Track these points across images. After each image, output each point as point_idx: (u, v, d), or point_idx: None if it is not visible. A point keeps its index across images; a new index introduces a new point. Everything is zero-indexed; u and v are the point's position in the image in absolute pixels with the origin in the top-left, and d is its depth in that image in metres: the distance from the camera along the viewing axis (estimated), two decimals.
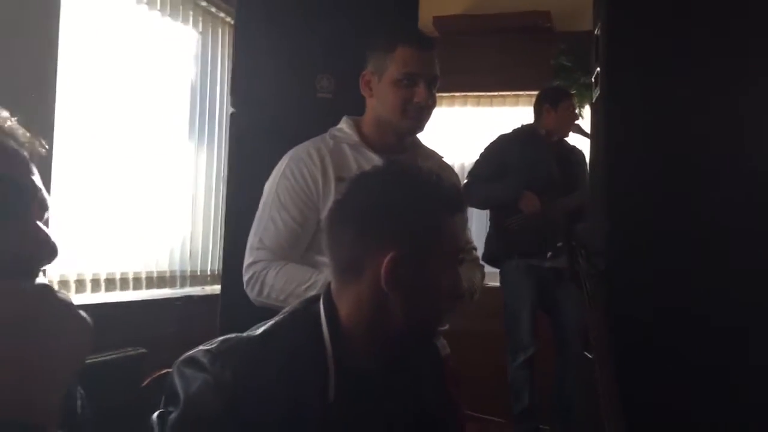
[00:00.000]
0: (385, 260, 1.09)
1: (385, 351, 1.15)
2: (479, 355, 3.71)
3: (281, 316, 1.20)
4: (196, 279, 3.55)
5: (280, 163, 1.88)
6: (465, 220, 1.93)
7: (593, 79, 2.26)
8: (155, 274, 3.30)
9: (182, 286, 3.47)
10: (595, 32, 2.22)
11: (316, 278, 1.72)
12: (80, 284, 2.87)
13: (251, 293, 1.82)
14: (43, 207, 0.76)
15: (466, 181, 3.71)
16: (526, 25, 4.94)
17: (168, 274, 3.39)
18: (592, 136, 2.49)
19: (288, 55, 2.33)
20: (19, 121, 0.79)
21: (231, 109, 2.39)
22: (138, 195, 3.19)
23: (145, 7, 3.24)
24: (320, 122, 2.01)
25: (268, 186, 1.88)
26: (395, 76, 1.79)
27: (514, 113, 5.08)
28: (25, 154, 0.79)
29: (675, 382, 1.91)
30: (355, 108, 1.96)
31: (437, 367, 1.35)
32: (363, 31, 2.32)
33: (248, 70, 2.35)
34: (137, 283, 3.19)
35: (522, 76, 4.97)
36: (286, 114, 2.27)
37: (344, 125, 1.92)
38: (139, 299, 3.13)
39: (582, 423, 3.22)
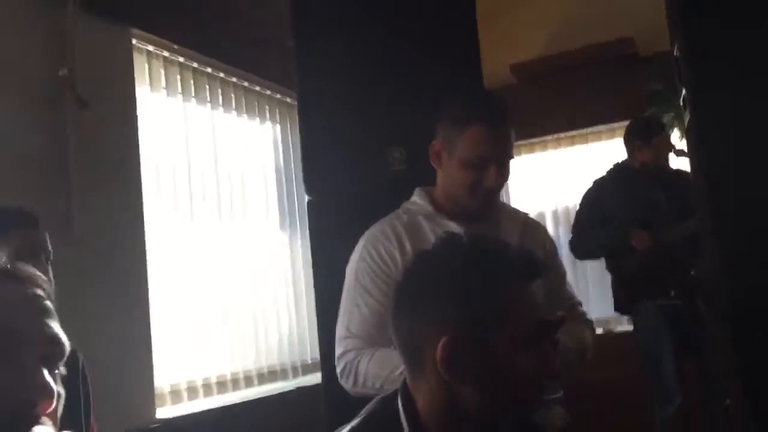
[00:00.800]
0: (439, 346, 0.98)
1: None
2: (618, 407, 3.48)
3: (360, 419, 1.12)
4: (307, 368, 3.52)
5: (357, 246, 1.84)
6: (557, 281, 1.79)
7: (681, 102, 2.07)
8: (266, 370, 3.29)
9: (294, 377, 3.44)
10: (674, 53, 2.05)
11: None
12: (192, 391, 2.89)
13: (346, 385, 1.76)
14: (50, 347, 0.80)
15: (571, 235, 3.60)
16: (610, 56, 4.76)
17: (279, 367, 3.37)
18: (691, 164, 2.28)
19: (354, 132, 2.30)
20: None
21: (307, 197, 2.37)
22: (238, 292, 3.23)
23: (221, 109, 3.34)
24: (396, 196, 1.95)
25: (348, 271, 1.84)
26: (466, 156, 1.69)
27: (612, 147, 4.87)
28: (35, 291, 0.79)
29: None
30: (431, 176, 1.87)
31: None
32: (429, 98, 2.29)
33: (317, 155, 2.33)
34: (249, 381, 3.19)
35: (613, 107, 4.77)
36: (361, 192, 2.22)
37: (417, 197, 1.87)
38: (255, 397, 3.13)
39: None
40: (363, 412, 1.14)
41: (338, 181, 2.30)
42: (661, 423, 3.25)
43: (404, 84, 2.33)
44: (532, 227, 1.89)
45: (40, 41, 2.40)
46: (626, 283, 3.45)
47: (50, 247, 1.75)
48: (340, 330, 1.80)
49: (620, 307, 3.46)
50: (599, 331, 4.64)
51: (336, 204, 2.25)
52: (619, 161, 3.68)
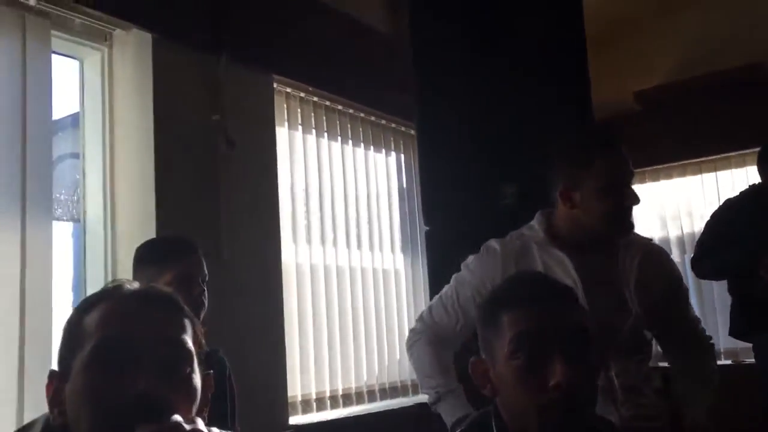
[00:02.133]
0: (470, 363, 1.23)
1: None
2: None
3: (461, 427, 1.29)
4: None
5: (477, 255, 1.92)
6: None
7: None
8: (387, 385, 3.51)
9: (414, 394, 3.63)
10: None
11: (432, 393, 1.85)
12: (321, 402, 3.15)
13: (407, 346, 1.98)
14: (161, 360, 0.89)
15: (693, 254, 3.53)
16: (737, 81, 4.65)
17: (399, 384, 3.59)
18: None
19: (469, 167, 2.47)
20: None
21: (426, 227, 2.56)
22: (365, 312, 3.48)
23: (350, 142, 3.63)
24: (507, 228, 1.99)
25: (462, 266, 1.93)
26: (600, 185, 1.72)
27: (742, 174, 4.74)
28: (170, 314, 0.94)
29: None
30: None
31: None
32: (541, 133, 2.41)
33: (435, 188, 2.52)
34: (371, 395, 3.42)
35: (743, 132, 4.64)
36: (474, 226, 2.35)
37: (535, 222, 1.88)
38: (377, 410, 3.35)
39: None
40: (461, 428, 1.31)
41: (453, 213, 2.48)
42: None
43: (517, 121, 2.47)
44: (655, 254, 1.87)
45: (196, 91, 2.75)
46: (748, 309, 3.37)
47: (206, 270, 2.04)
48: (425, 310, 1.98)
49: (736, 332, 3.37)
50: (727, 361, 4.51)
51: (450, 234, 2.43)
52: (755, 183, 3.61)
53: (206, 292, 2.00)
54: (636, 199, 1.74)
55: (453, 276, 1.92)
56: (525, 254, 1.82)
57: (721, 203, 3.67)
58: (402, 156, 4.03)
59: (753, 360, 3.46)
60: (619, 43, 4.60)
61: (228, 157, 2.76)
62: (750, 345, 3.44)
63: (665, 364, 2.00)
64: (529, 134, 2.45)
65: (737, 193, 3.62)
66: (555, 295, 1.19)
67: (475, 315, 1.33)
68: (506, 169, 2.44)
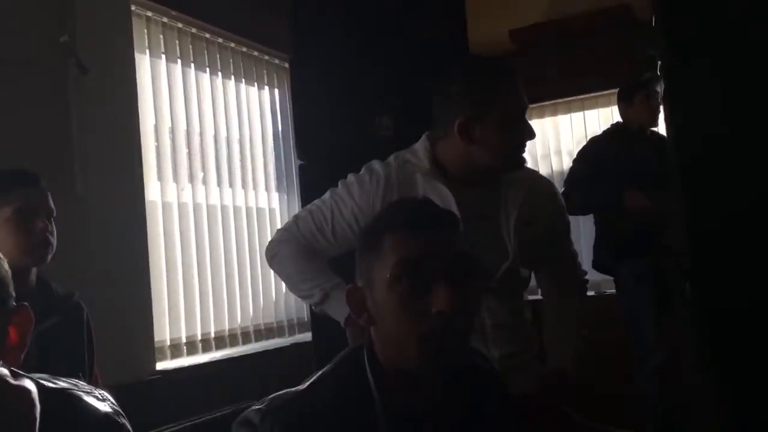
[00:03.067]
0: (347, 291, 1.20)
1: (422, 390, 1.13)
2: (602, 368, 3.56)
3: (328, 367, 1.22)
4: (303, 326, 3.65)
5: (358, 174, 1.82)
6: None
7: (658, 72, 2.15)
8: (263, 327, 3.42)
9: (291, 334, 3.57)
10: (653, 23, 2.12)
11: (317, 292, 1.74)
12: (191, 345, 3.02)
13: (268, 256, 1.84)
14: None
15: (562, 189, 3.62)
16: (608, 23, 4.77)
17: (275, 325, 3.50)
18: (666, 128, 2.35)
19: (344, 99, 2.38)
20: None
21: (299, 162, 2.46)
22: (237, 252, 3.34)
23: (220, 74, 3.42)
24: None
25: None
26: (505, 116, 1.64)
27: (611, 113, 4.91)
28: None
29: None
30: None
31: (501, 405, 1.29)
32: (418, 64, 2.35)
33: (308, 121, 2.41)
34: (246, 337, 3.32)
35: (611, 74, 4.78)
36: (350, 159, 2.27)
37: (421, 149, 1.76)
38: (252, 352, 3.26)
39: None
40: (334, 359, 1.25)
41: (327, 146, 2.39)
42: (644, 380, 3.37)
43: (394, 53, 2.39)
44: (541, 187, 1.84)
45: (40, 7, 2.47)
46: (611, 242, 3.53)
47: (53, 205, 1.85)
48: (291, 220, 1.85)
49: (599, 265, 3.52)
50: (591, 293, 4.75)
51: (325, 168, 2.33)
52: (618, 122, 3.76)
53: (54, 229, 1.83)
54: (533, 133, 1.70)
55: (329, 191, 1.81)
56: (408, 183, 1.74)
57: (586, 142, 3.81)
58: (276, 91, 3.87)
59: (614, 291, 3.64)
60: None
61: (80, 83, 2.51)
62: (612, 278, 3.62)
63: (537, 297, 2.02)
64: (404, 68, 2.39)
65: (601, 132, 3.78)
66: (441, 221, 1.15)
67: (357, 241, 1.24)
68: (381, 102, 2.37)
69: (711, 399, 1.73)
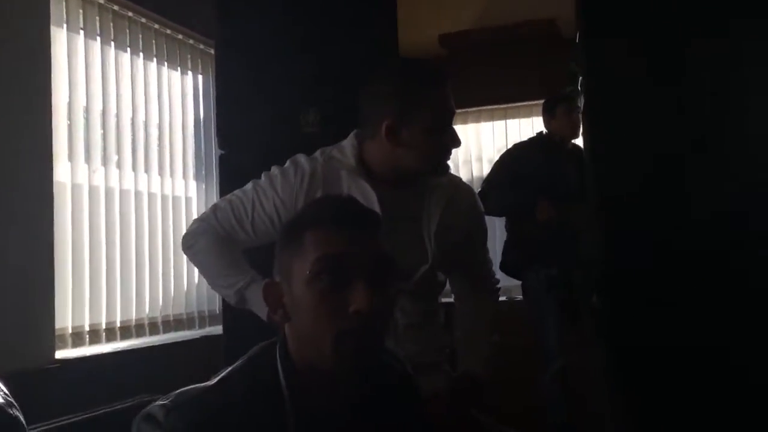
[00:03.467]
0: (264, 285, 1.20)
1: (334, 389, 1.12)
2: (510, 371, 3.63)
3: (239, 363, 1.19)
4: (215, 318, 3.57)
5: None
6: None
7: (579, 87, 2.21)
8: (171, 318, 3.33)
9: (201, 326, 3.48)
10: (576, 41, 2.17)
11: (241, 281, 1.70)
12: (95, 334, 2.90)
13: (185, 247, 1.80)
14: None
15: (480, 189, 3.69)
16: (534, 35, 4.90)
17: (185, 316, 3.41)
18: (584, 143, 2.43)
19: (270, 91, 2.34)
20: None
21: (220, 151, 2.40)
22: (148, 240, 3.24)
23: (141, 55, 3.31)
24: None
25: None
26: (432, 123, 1.65)
27: (531, 124, 5.04)
28: None
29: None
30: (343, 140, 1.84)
31: (412, 405, 1.30)
32: (347, 61, 2.34)
33: (231, 109, 2.36)
34: (154, 328, 3.22)
35: (535, 85, 4.92)
36: (273, 152, 2.23)
37: (348, 146, 1.75)
38: (159, 343, 3.16)
39: None
40: (246, 355, 1.22)
41: (250, 136, 2.34)
42: (546, 384, 3.47)
43: (324, 45, 2.36)
44: (463, 194, 1.85)
45: None
46: (520, 247, 3.63)
47: None
48: (209, 210, 1.81)
49: (506, 268, 3.62)
50: (503, 298, 4.85)
51: (246, 159, 2.28)
52: (541, 132, 3.87)
53: None
54: (459, 141, 1.72)
55: (251, 182, 1.78)
56: (333, 179, 1.73)
57: (509, 147, 3.91)
58: (200, 77, 3.77)
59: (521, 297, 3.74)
60: None
61: None
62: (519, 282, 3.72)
63: (450, 300, 2.04)
64: (334, 61, 2.36)
65: (525, 139, 3.89)
66: (364, 219, 1.14)
67: (277, 235, 1.21)
68: (309, 94, 2.33)
69: (617, 410, 1.79)
